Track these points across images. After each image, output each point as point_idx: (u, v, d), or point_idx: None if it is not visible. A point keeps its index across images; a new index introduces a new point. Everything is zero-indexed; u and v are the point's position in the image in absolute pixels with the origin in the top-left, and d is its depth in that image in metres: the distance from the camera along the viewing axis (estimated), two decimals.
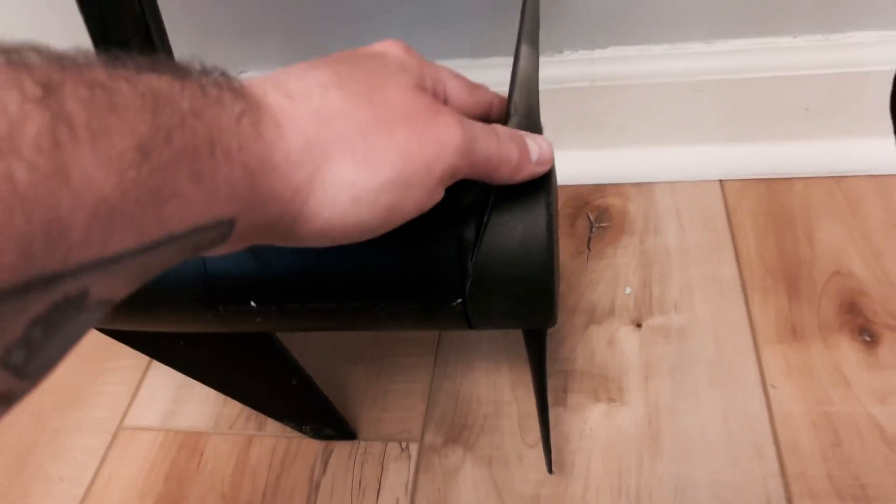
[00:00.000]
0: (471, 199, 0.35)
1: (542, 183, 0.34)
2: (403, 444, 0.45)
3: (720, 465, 0.41)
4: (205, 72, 0.20)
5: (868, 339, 0.46)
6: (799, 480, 0.40)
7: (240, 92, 0.21)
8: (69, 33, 0.58)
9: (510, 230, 0.33)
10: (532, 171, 0.31)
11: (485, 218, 0.34)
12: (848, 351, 0.45)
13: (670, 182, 0.59)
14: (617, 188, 0.59)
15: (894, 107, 0.32)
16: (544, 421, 0.39)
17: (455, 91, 0.32)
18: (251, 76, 0.64)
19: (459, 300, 0.34)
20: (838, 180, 0.56)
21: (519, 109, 0.34)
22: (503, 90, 0.34)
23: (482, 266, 0.33)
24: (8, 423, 0.50)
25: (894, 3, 0.50)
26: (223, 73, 0.21)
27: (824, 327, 0.47)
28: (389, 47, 0.30)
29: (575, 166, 0.60)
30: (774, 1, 0.51)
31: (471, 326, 0.36)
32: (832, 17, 0.52)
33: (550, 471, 0.40)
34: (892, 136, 0.33)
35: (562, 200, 0.59)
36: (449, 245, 0.34)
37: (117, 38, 0.35)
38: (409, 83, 0.27)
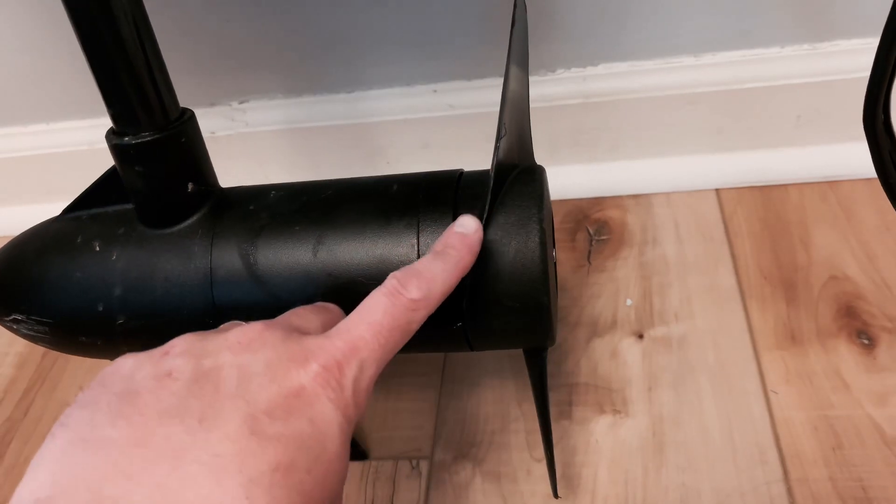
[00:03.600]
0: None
1: (535, 199, 0.35)
2: (414, 462, 0.46)
3: (724, 472, 0.42)
4: None
5: (866, 342, 0.47)
6: (802, 485, 0.41)
7: None
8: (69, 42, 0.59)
9: (503, 247, 0.34)
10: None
11: None
12: (846, 354, 0.46)
13: (667, 193, 0.60)
14: (615, 200, 0.60)
15: (866, 122, 0.33)
16: (548, 442, 0.39)
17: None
18: (251, 106, 0.65)
19: (460, 323, 0.35)
20: (832, 185, 0.57)
21: (509, 130, 0.36)
22: (496, 110, 0.35)
23: (477, 284, 0.34)
24: (28, 454, 0.51)
25: (877, 12, 0.51)
26: None
27: (822, 332, 0.47)
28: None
29: (573, 181, 0.61)
30: (761, 13, 0.52)
31: (471, 348, 0.37)
32: (818, 27, 0.53)
33: (556, 495, 0.41)
34: None
35: (561, 215, 0.60)
36: None
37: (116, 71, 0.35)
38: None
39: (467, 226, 0.32)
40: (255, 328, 0.27)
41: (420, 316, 0.28)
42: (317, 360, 0.26)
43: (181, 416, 0.23)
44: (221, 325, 0.30)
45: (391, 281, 0.29)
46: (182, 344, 0.27)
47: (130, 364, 0.26)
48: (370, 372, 0.27)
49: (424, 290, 0.29)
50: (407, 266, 0.30)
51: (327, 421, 0.25)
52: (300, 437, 0.23)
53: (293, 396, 0.24)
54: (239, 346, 0.26)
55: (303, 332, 0.28)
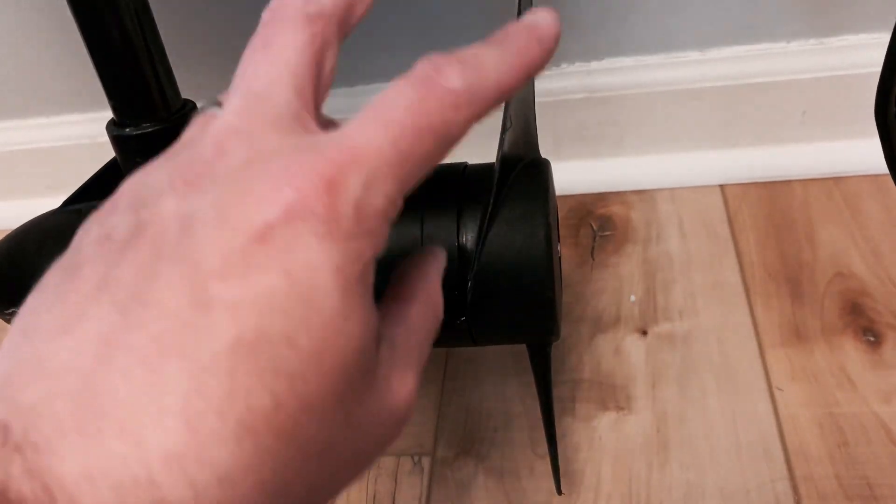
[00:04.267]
0: (469, 212, 0.35)
1: (540, 193, 0.35)
2: (416, 459, 0.46)
3: (729, 469, 0.41)
4: None
5: (872, 339, 0.46)
6: (807, 482, 0.40)
7: None
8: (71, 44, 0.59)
9: (508, 240, 0.34)
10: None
11: (483, 231, 0.34)
12: (852, 352, 0.46)
13: (671, 188, 0.59)
14: (619, 196, 0.60)
15: (878, 115, 0.33)
16: (551, 438, 0.39)
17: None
18: None
19: (463, 317, 0.35)
20: (837, 181, 0.56)
21: (514, 123, 0.35)
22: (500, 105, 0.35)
23: (482, 278, 0.34)
24: None
25: (884, 6, 0.51)
26: None
27: (828, 329, 0.47)
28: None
29: (577, 176, 0.61)
30: (767, 8, 0.52)
31: (475, 343, 0.37)
32: (824, 22, 0.52)
33: (559, 492, 0.41)
34: None
35: (564, 210, 0.59)
36: (450, 260, 0.35)
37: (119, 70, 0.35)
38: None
39: (540, 16, 0.21)
40: (205, 151, 0.20)
41: (462, 117, 0.19)
42: (291, 181, 0.18)
43: (112, 290, 0.18)
44: (192, 124, 0.22)
45: (422, 64, 0.19)
46: (128, 187, 0.20)
47: (85, 227, 0.20)
48: (384, 189, 0.18)
49: (469, 81, 0.19)
50: (432, 55, 0.20)
51: (313, 266, 0.17)
52: (270, 298, 0.17)
53: (257, 243, 0.17)
54: (184, 186, 0.19)
55: (302, 124, 0.20)
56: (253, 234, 0.17)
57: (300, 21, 0.21)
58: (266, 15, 0.21)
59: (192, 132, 0.21)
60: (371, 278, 0.19)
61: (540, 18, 0.21)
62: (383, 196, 0.18)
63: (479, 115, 0.20)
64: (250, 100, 0.20)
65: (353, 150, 0.18)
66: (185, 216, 0.18)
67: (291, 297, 0.17)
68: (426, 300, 0.23)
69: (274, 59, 0.20)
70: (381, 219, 0.19)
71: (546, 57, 0.21)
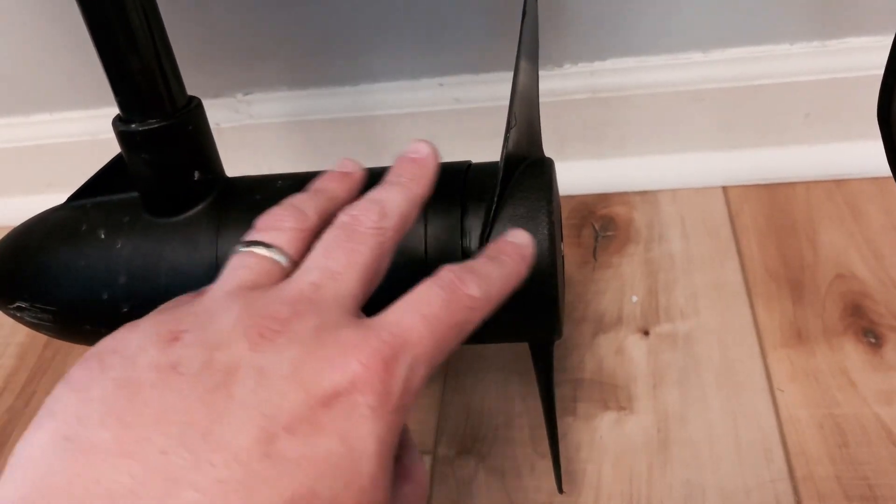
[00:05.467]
0: (473, 211, 0.36)
1: (544, 192, 0.35)
2: None
3: (729, 470, 0.42)
4: None
5: (873, 340, 0.46)
6: (807, 483, 0.40)
7: None
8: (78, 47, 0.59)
9: None
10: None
11: (487, 229, 0.35)
12: (853, 353, 0.46)
13: (673, 189, 0.59)
14: (621, 197, 0.60)
15: (881, 116, 0.33)
16: (553, 438, 0.39)
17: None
18: (256, 98, 0.65)
19: None
20: (839, 183, 0.56)
21: (518, 122, 0.35)
22: (504, 104, 0.35)
23: None
24: None
25: (887, 9, 0.51)
26: None
27: (829, 330, 0.47)
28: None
29: (579, 176, 0.61)
30: (770, 10, 0.52)
31: (477, 341, 0.37)
32: (828, 25, 0.53)
33: (561, 490, 0.41)
34: None
35: (567, 211, 0.59)
36: (454, 258, 0.35)
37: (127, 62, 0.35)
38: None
39: (520, 237, 0.29)
40: (281, 310, 0.22)
41: (477, 317, 0.24)
42: (357, 356, 0.21)
43: (183, 425, 0.19)
44: (227, 278, 0.25)
45: (447, 273, 0.25)
46: (191, 323, 0.22)
47: (135, 343, 0.22)
48: (421, 373, 0.22)
49: (484, 290, 0.25)
50: (458, 262, 0.26)
51: (363, 436, 0.20)
52: (327, 460, 0.19)
53: (323, 406, 0.20)
54: (260, 339, 0.21)
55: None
56: (321, 396, 0.20)
57: (373, 231, 0.26)
58: (346, 218, 0.26)
59: (250, 276, 0.25)
60: (394, 450, 0.22)
61: (522, 239, 0.29)
62: (421, 377, 0.22)
63: (486, 315, 0.25)
64: (326, 277, 0.24)
65: (402, 337, 0.22)
66: (261, 368, 0.21)
67: (343, 461, 0.20)
68: (418, 480, 0.26)
69: (350, 251, 0.25)
70: (416, 396, 0.22)
71: (527, 272, 0.28)
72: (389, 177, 0.29)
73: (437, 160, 0.30)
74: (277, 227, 0.27)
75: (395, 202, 0.27)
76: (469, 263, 0.26)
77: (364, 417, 0.20)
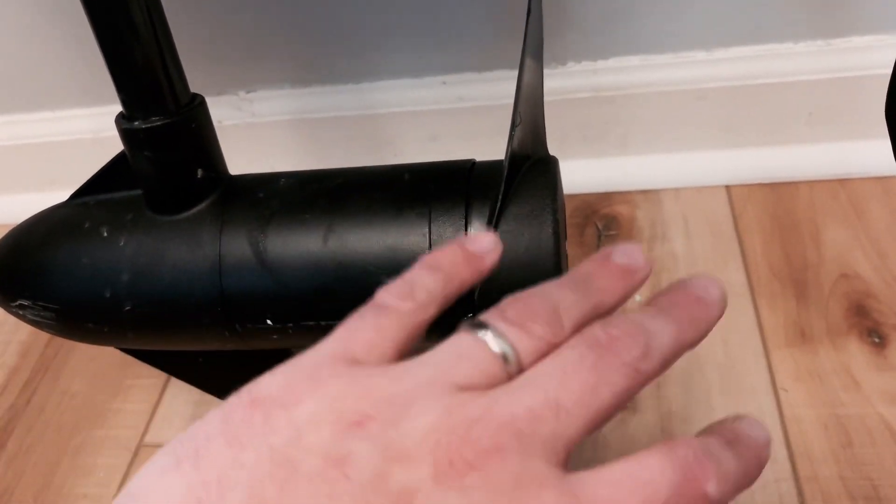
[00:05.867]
0: (477, 209, 0.35)
1: (548, 190, 0.35)
2: None
3: None
4: None
5: (877, 340, 0.46)
6: (811, 483, 0.40)
7: None
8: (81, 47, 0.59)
9: (517, 237, 0.34)
10: None
11: (491, 226, 0.34)
12: (857, 353, 0.46)
13: (676, 188, 0.59)
14: (624, 196, 0.60)
15: (889, 112, 0.33)
16: None
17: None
18: (259, 96, 0.65)
19: (471, 314, 0.35)
20: (843, 183, 0.56)
21: (523, 120, 0.35)
22: (508, 102, 0.35)
23: (490, 275, 0.34)
24: (31, 443, 0.51)
25: (892, 8, 0.51)
26: None
27: (833, 330, 0.47)
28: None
29: (582, 175, 0.61)
30: (774, 9, 0.52)
31: None
32: (831, 24, 0.52)
33: None
34: None
35: (570, 210, 0.59)
36: None
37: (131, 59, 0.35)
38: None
39: (760, 434, 0.21)
40: (483, 437, 0.18)
41: None
42: None
43: None
44: (443, 362, 0.21)
45: (684, 451, 0.19)
46: (383, 409, 0.19)
47: (311, 407, 0.19)
48: None
49: (720, 491, 0.19)
50: (695, 438, 0.20)
51: None
52: None
53: None
54: (448, 469, 0.18)
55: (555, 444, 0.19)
56: None
57: (629, 369, 0.20)
58: (602, 336, 0.21)
59: (468, 371, 0.20)
60: None
61: (761, 436, 0.21)
62: None
63: None
64: (550, 410, 0.19)
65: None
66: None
67: None
68: None
69: (591, 387, 0.20)
70: None
71: (758, 477, 0.21)
72: (666, 305, 0.23)
73: (724, 308, 0.23)
74: (526, 326, 0.21)
75: (664, 343, 0.21)
76: (709, 444, 0.20)
77: None
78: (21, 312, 0.40)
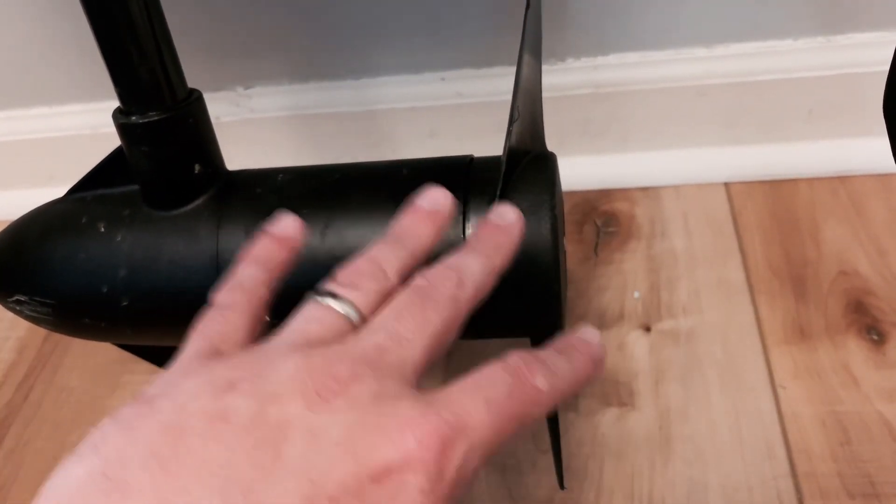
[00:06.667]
0: (475, 204, 0.35)
1: (546, 186, 0.35)
2: None
3: (731, 467, 0.41)
4: None
5: (875, 337, 0.46)
6: (809, 480, 0.40)
7: None
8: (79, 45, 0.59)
9: None
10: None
11: None
12: (856, 350, 0.46)
13: (676, 185, 0.59)
14: (623, 193, 0.60)
15: (887, 109, 0.33)
16: (554, 433, 0.39)
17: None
18: (257, 92, 0.65)
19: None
20: (842, 180, 0.56)
21: (522, 116, 0.35)
22: (506, 99, 0.35)
23: None
24: (28, 439, 0.51)
25: (892, 5, 0.51)
26: None
27: (831, 327, 0.47)
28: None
29: (581, 172, 0.61)
30: (774, 5, 0.52)
31: (479, 336, 0.37)
32: (832, 20, 0.52)
33: (562, 486, 0.41)
34: None
35: (568, 206, 0.59)
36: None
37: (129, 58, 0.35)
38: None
39: (592, 336, 0.26)
40: (341, 370, 0.21)
41: (538, 412, 0.23)
42: (414, 432, 0.20)
43: (225, 479, 0.19)
44: (294, 329, 0.24)
45: (515, 360, 0.23)
46: (248, 371, 0.22)
47: (188, 387, 0.21)
48: (475, 463, 0.21)
49: (550, 384, 0.23)
50: (527, 350, 0.24)
51: None
52: None
53: (372, 481, 0.19)
54: (316, 398, 0.20)
55: (407, 381, 0.22)
56: (372, 470, 0.19)
57: (447, 301, 0.24)
58: (422, 282, 0.25)
59: (318, 330, 0.24)
60: None
61: (592, 338, 0.26)
62: (474, 468, 0.21)
63: (546, 413, 0.23)
64: (393, 341, 0.23)
65: (463, 419, 0.21)
66: (313, 429, 0.20)
67: None
68: None
69: (421, 318, 0.24)
70: (467, 487, 0.21)
71: (596, 374, 0.25)
72: (471, 241, 0.27)
73: (523, 227, 0.28)
74: (356, 284, 0.25)
75: (473, 272, 0.25)
76: (539, 353, 0.24)
77: (412, 500, 0.19)
78: (18, 308, 0.40)
